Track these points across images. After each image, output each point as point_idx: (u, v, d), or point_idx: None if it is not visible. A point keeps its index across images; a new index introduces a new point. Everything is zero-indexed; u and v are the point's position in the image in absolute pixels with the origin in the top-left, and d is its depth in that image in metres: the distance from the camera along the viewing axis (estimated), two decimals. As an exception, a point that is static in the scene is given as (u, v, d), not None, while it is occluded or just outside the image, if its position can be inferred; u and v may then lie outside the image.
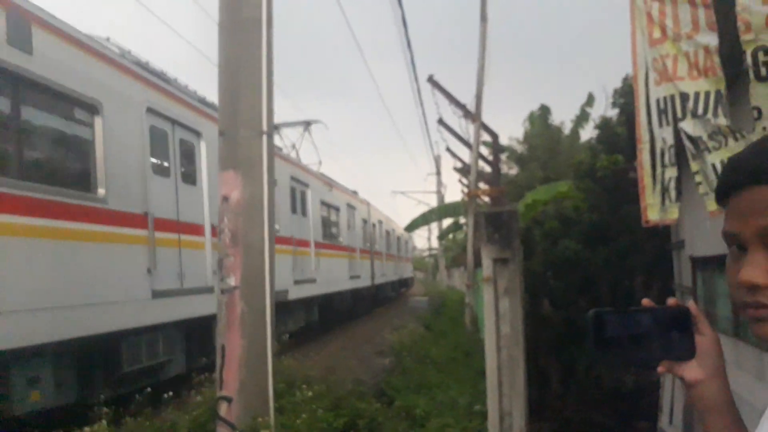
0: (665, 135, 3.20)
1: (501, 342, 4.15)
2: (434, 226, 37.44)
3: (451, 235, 31.13)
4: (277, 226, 13.77)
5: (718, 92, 2.91)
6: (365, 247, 22.21)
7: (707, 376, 1.04)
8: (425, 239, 72.57)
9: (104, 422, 4.66)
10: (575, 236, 12.80)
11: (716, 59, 2.91)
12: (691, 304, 1.07)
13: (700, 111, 2.94)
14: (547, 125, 18.12)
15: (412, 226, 23.07)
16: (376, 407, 6.17)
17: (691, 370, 1.05)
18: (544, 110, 18.34)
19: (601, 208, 12.63)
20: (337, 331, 16.14)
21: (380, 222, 26.67)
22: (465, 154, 21.45)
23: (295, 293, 12.15)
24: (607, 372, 11.66)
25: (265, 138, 4.91)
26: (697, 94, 2.96)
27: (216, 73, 5.04)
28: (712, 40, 2.91)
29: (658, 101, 3.18)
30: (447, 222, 26.80)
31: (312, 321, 13.92)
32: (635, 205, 12.88)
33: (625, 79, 13.19)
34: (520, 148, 18.94)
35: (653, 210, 3.42)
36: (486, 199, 13.88)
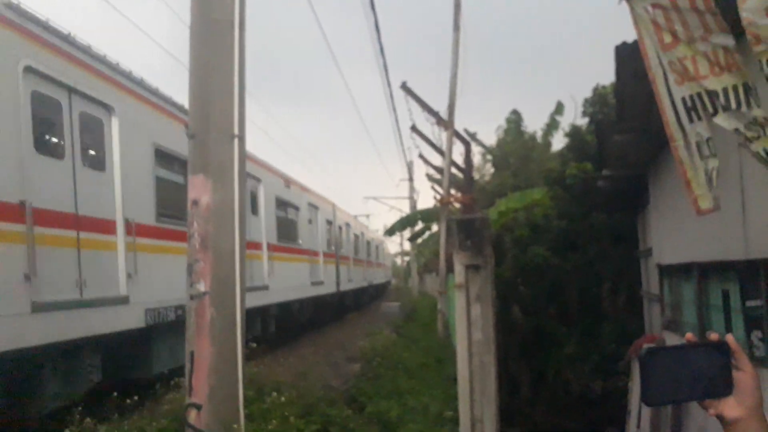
0: (699, 129, 3.20)
1: (473, 348, 4.15)
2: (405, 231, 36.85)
3: (420, 240, 30.78)
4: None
5: (745, 84, 2.91)
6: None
7: (747, 413, 1.00)
8: (397, 244, 72.70)
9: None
10: (545, 243, 12.97)
11: (738, 57, 2.91)
12: (729, 338, 1.03)
13: (733, 105, 2.94)
14: (520, 132, 18.28)
15: (391, 231, 22.27)
16: (347, 413, 6.13)
17: (731, 408, 1.01)
18: (516, 116, 18.51)
19: (571, 215, 12.83)
20: (307, 337, 16.03)
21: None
22: (438, 160, 21.57)
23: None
24: (576, 378, 11.81)
25: (236, 141, 4.85)
26: (725, 90, 2.96)
27: (187, 77, 4.97)
28: (728, 40, 2.91)
29: (683, 99, 3.17)
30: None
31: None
32: (603, 213, 13.09)
33: (596, 89, 13.46)
34: (493, 153, 19.11)
35: (704, 199, 3.41)
36: (458, 205, 13.96)
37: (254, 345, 6.43)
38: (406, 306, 24.88)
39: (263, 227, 12.53)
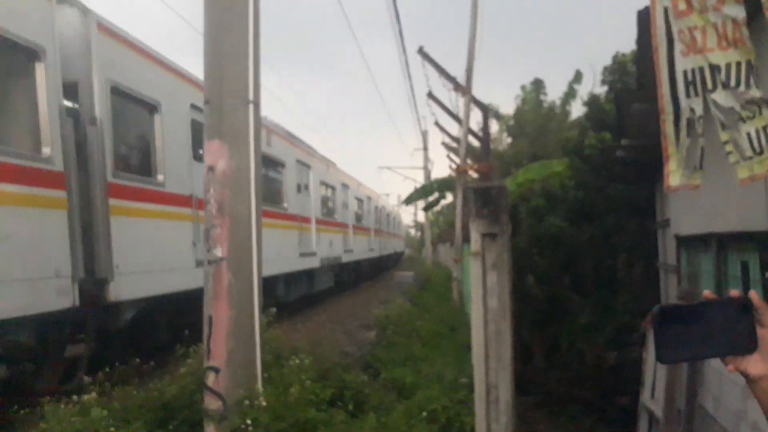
0: (694, 105, 3.19)
1: (488, 316, 4.16)
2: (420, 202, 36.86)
3: (434, 209, 30.87)
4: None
5: (748, 62, 2.92)
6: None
7: None
8: (411, 214, 72.65)
9: (94, 393, 4.64)
10: (561, 214, 12.87)
11: (744, 31, 2.91)
12: (753, 294, 1.01)
13: (732, 83, 2.95)
14: (539, 102, 17.89)
15: (408, 200, 22.15)
16: (362, 379, 6.21)
17: (755, 365, 1.00)
18: (537, 84, 18.09)
19: (587, 185, 12.68)
20: (323, 305, 16.20)
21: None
22: (454, 129, 21.32)
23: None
24: (590, 349, 11.84)
25: (251, 107, 4.83)
26: (728, 66, 2.97)
27: (202, 42, 4.92)
28: (739, 12, 2.91)
29: (685, 72, 3.16)
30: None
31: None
32: (621, 184, 12.93)
33: (615, 57, 13.18)
34: (510, 122, 18.82)
35: (675, 176, 3.43)
36: (474, 174, 13.87)
37: (274, 310, 6.58)
38: (420, 275, 24.98)
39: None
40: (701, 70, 3.09)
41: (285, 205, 13.34)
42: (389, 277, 27.00)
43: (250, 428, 4.11)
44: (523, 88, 18.14)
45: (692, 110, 3.22)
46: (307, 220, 14.86)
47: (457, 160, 16.38)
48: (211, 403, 4.45)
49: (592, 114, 13.57)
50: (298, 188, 14.28)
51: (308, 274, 15.27)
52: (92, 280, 6.45)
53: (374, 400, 5.79)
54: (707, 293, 1.04)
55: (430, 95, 15.21)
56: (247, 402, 4.35)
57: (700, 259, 7.01)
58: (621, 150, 9.50)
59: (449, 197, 21.18)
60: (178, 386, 5.07)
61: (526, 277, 12.88)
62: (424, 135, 38.16)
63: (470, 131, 14.49)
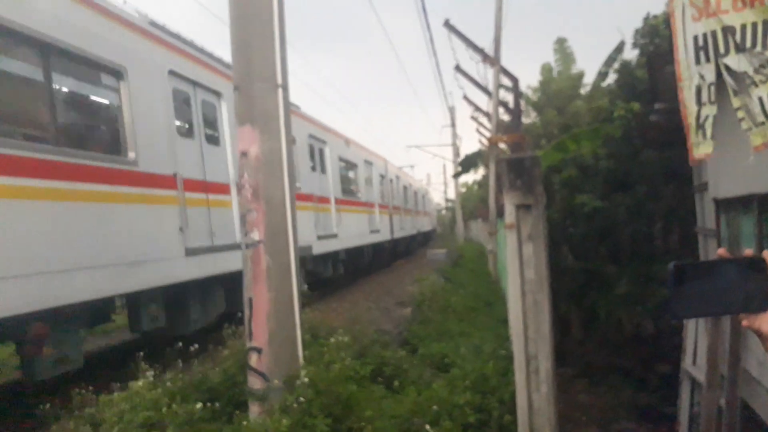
0: (704, 72, 3.11)
1: (525, 287, 4.15)
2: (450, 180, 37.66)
3: (464, 189, 30.93)
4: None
5: (765, 22, 2.82)
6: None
7: None
8: (442, 193, 72.19)
9: (149, 378, 4.75)
10: (593, 187, 12.60)
11: None
12: (766, 254, 1.02)
13: (748, 44, 2.86)
14: (567, 61, 17.16)
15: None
16: (400, 355, 6.28)
17: None
18: (561, 43, 17.41)
19: (621, 154, 12.41)
20: (358, 283, 16.34)
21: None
22: (482, 102, 21.03)
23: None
24: (629, 318, 11.71)
25: (280, 91, 4.86)
26: (743, 27, 2.88)
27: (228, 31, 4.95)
28: None
29: (696, 38, 3.09)
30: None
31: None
32: (655, 149, 12.60)
33: (647, 19, 12.77)
34: (535, 96, 18.42)
35: (704, 146, 3.36)
36: (503, 147, 13.72)
37: (309, 292, 6.66)
38: (453, 252, 24.95)
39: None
40: (713, 34, 3.02)
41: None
42: (421, 256, 27.06)
43: (295, 405, 4.21)
44: (543, 66, 17.58)
45: (702, 77, 3.15)
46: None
47: (487, 133, 16.22)
48: (255, 383, 4.56)
49: (622, 80, 13.24)
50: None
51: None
52: None
53: (413, 374, 5.86)
54: (721, 251, 1.06)
55: (458, 68, 15.03)
56: (298, 382, 4.44)
57: (741, 221, 6.84)
58: (654, 114, 9.29)
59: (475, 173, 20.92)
60: (221, 369, 5.20)
61: (560, 248, 12.75)
62: (452, 111, 37.87)
63: (500, 102, 14.31)
